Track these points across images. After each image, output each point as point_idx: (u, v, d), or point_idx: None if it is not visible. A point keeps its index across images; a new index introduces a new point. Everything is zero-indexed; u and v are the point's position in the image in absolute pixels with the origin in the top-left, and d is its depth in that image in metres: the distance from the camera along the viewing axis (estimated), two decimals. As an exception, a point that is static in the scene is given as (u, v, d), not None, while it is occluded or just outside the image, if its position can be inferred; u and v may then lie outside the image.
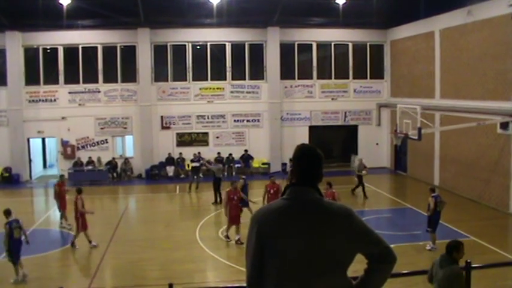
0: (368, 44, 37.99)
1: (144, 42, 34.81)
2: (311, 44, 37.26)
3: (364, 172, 28.02)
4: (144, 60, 34.97)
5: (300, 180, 3.91)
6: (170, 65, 35.93)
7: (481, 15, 26.23)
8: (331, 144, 39.23)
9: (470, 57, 27.33)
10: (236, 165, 35.75)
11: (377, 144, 37.88)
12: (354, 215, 3.85)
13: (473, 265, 11.69)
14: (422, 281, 14.32)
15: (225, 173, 33.72)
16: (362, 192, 27.86)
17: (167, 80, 35.86)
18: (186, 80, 35.91)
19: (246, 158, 35.78)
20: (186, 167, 34.39)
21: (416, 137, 24.26)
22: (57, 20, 30.97)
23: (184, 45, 35.81)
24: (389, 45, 37.74)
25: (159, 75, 35.79)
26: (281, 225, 3.79)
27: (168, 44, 35.68)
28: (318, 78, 37.45)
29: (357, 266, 4.08)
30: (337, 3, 30.34)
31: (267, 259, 3.83)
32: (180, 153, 35.21)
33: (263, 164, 35.83)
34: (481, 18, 26.19)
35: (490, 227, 21.56)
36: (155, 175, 34.93)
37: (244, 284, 3.99)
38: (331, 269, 3.76)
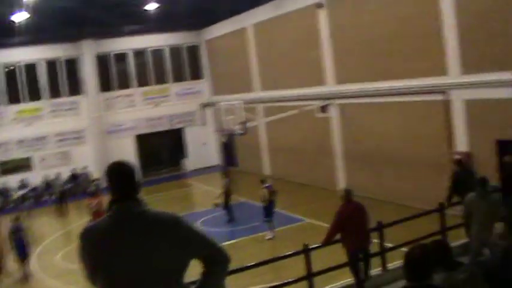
0: (184, 46, 38.14)
1: None
2: (127, 53, 36.76)
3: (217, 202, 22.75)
4: None
5: (120, 195, 3.83)
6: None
7: (289, 7, 27.22)
8: (160, 150, 38.99)
9: (283, 48, 28.29)
10: (65, 186, 34.16)
11: (204, 143, 38.08)
12: (181, 222, 3.83)
13: (310, 246, 12.10)
14: (269, 270, 14.62)
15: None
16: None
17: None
18: (-1, 105, 33.87)
19: (75, 176, 34.39)
20: (13, 196, 32.42)
21: (241, 132, 24.63)
22: None
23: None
24: (205, 45, 38.14)
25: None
26: (107, 244, 3.70)
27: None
28: (138, 85, 37.02)
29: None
30: (148, 10, 30.02)
31: (97, 278, 3.75)
32: (5, 183, 33.02)
33: (92, 180, 34.63)
34: (289, 10, 27.18)
35: (323, 207, 22.24)
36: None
37: None
38: (165, 281, 3.72)
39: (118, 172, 3.92)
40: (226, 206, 22.82)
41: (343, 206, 11.88)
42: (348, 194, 11.97)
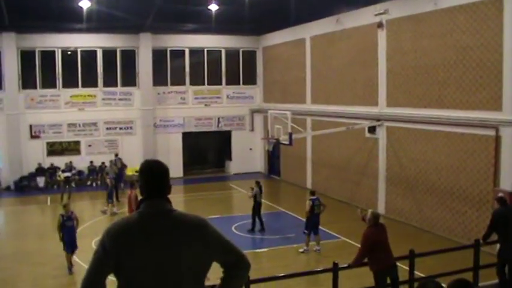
0: (241, 50, 38.46)
1: (9, 47, 33.17)
2: (184, 50, 37.19)
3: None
4: (10, 67, 33.35)
5: (150, 194, 3.96)
6: (39, 71, 34.44)
7: (349, 23, 27.24)
8: (206, 150, 39.59)
9: (339, 64, 28.29)
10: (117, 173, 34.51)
11: (250, 149, 38.33)
12: (207, 225, 3.97)
13: (340, 266, 12.18)
14: (297, 283, 14.72)
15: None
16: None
17: (36, 87, 34.38)
18: (55, 87, 34.68)
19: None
20: (58, 177, 33.17)
21: (287, 142, 24.69)
22: None
23: (54, 51, 34.53)
24: (261, 52, 38.41)
25: (27, 82, 34.20)
26: (135, 239, 3.81)
27: (37, 50, 34.22)
28: (191, 84, 37.41)
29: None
30: (209, 10, 30.41)
31: (120, 273, 3.83)
32: (51, 163, 34.01)
33: (136, 172, 34.85)
34: (349, 26, 27.20)
35: (359, 227, 22.17)
36: (25, 187, 33.43)
37: None
38: (186, 280, 3.83)
39: (151, 171, 4.05)
40: (256, 214, 22.74)
41: (371, 229, 11.93)
42: (375, 218, 12.01)
